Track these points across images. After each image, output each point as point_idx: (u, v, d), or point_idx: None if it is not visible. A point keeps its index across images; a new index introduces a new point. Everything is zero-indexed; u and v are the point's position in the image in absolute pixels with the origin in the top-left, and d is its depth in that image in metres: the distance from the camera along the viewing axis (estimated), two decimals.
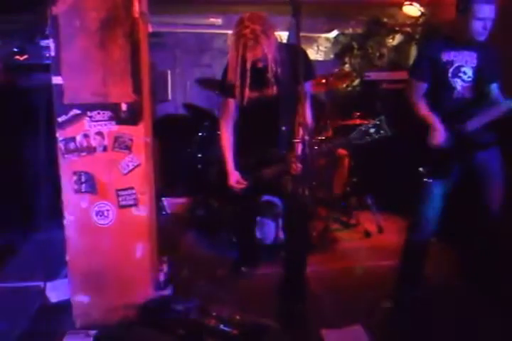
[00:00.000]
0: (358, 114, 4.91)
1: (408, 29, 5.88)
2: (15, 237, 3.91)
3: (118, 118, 2.71)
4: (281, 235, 3.91)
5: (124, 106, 2.71)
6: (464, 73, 2.93)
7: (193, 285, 3.37)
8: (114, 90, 2.69)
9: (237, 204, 3.40)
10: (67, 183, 2.74)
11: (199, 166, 5.08)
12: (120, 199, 2.78)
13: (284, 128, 2.88)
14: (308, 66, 2.98)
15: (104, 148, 2.73)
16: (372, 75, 5.46)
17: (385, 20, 5.93)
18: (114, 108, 2.70)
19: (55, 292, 3.11)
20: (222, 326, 2.60)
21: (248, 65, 2.88)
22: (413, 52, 5.82)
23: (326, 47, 6.52)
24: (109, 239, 2.80)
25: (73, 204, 2.76)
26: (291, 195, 2.89)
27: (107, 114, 2.70)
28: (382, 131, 2.68)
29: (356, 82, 5.79)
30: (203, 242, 4.39)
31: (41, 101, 3.66)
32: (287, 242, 3.24)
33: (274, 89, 2.98)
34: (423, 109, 2.96)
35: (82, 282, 2.84)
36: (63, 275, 3.12)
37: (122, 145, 2.74)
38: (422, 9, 5.44)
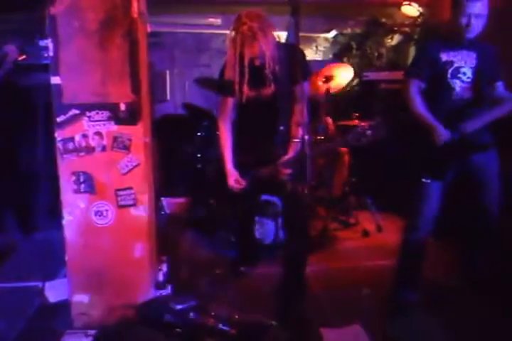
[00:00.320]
0: (357, 114, 4.92)
1: (407, 29, 5.89)
2: (14, 237, 3.91)
3: (117, 118, 2.71)
4: (281, 235, 3.92)
5: (122, 106, 2.71)
6: (464, 74, 2.91)
7: (192, 284, 3.38)
8: (113, 90, 2.69)
9: (236, 203, 3.40)
10: (66, 183, 2.74)
11: (198, 166, 5.08)
12: (119, 199, 2.78)
13: (281, 127, 2.88)
14: (306, 66, 2.99)
15: (103, 148, 2.73)
16: (371, 75, 5.47)
17: (384, 20, 5.94)
18: (113, 108, 2.71)
19: (53, 292, 3.10)
20: (221, 325, 2.60)
21: (246, 62, 2.87)
22: (412, 52, 5.83)
23: (324, 47, 6.54)
24: (108, 238, 2.80)
25: (72, 204, 2.76)
26: (289, 194, 2.89)
27: (106, 113, 2.71)
28: (378, 133, 2.67)
29: (355, 81, 5.80)
30: (202, 242, 4.40)
31: (40, 101, 3.67)
32: (287, 242, 3.24)
33: (272, 89, 2.97)
34: (419, 108, 2.95)
35: (81, 282, 2.84)
36: (62, 275, 3.12)
37: (121, 145, 2.74)
38: (420, 9, 5.45)
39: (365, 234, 4.61)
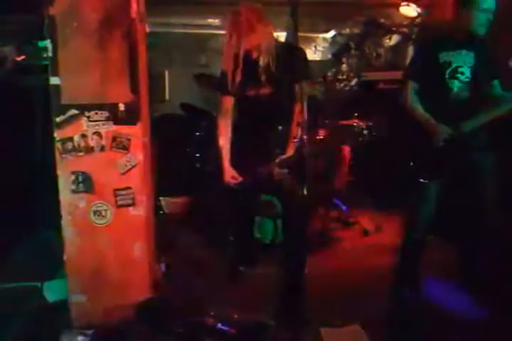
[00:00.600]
0: (356, 114, 4.92)
1: (405, 30, 5.89)
2: (12, 237, 3.91)
3: (116, 118, 2.72)
4: (280, 234, 3.92)
5: (121, 106, 2.72)
6: (462, 74, 2.91)
7: (190, 284, 3.38)
8: (112, 90, 2.70)
9: (235, 202, 3.38)
10: (65, 183, 2.74)
11: (197, 165, 5.09)
12: (118, 199, 2.79)
13: (280, 127, 2.88)
14: (306, 65, 2.98)
15: (102, 148, 2.74)
16: (370, 75, 5.48)
17: (382, 20, 5.94)
18: (112, 108, 2.71)
19: (52, 291, 3.11)
20: (220, 325, 2.61)
21: (242, 53, 2.84)
22: (410, 52, 5.83)
23: (323, 48, 6.55)
24: (107, 238, 2.81)
25: (71, 203, 2.76)
26: (287, 194, 2.89)
27: (105, 114, 2.71)
28: (374, 133, 2.66)
29: (353, 81, 5.80)
30: (200, 242, 4.40)
31: (39, 101, 3.67)
32: (287, 242, 3.23)
33: (271, 88, 2.95)
34: (417, 108, 2.96)
35: (79, 282, 2.84)
36: (60, 274, 3.12)
37: (120, 145, 2.75)
38: (418, 10, 5.45)
39: (365, 233, 4.62)
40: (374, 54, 6.07)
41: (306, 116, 2.88)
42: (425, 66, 2.97)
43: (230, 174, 3.13)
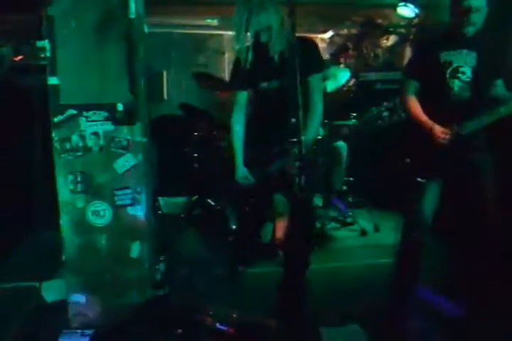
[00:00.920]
0: (354, 114, 4.93)
1: (402, 30, 5.91)
2: (11, 237, 3.91)
3: (114, 118, 2.72)
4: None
5: (119, 107, 2.72)
6: (463, 73, 2.87)
7: (189, 284, 3.38)
8: (110, 90, 2.70)
9: (246, 202, 3.29)
10: (63, 183, 2.75)
11: (195, 166, 5.09)
12: (116, 198, 2.79)
13: (293, 119, 2.77)
14: (320, 58, 2.93)
15: (100, 148, 2.74)
16: (367, 76, 5.49)
17: (380, 21, 5.95)
18: (110, 108, 2.72)
19: (50, 291, 3.11)
20: (219, 325, 2.61)
21: (252, 34, 2.77)
22: (407, 52, 5.84)
23: (321, 48, 6.53)
24: (105, 238, 2.81)
25: (69, 203, 2.77)
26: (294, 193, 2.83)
27: (103, 114, 2.72)
28: (395, 115, 2.58)
29: (351, 82, 5.81)
30: (199, 241, 4.40)
31: (37, 101, 3.68)
32: (291, 241, 3.15)
33: (283, 80, 2.83)
34: (414, 109, 2.96)
35: (78, 282, 2.85)
36: (59, 274, 3.12)
37: (118, 145, 2.75)
38: (416, 10, 5.46)
39: (362, 233, 4.63)
40: (372, 54, 6.08)
41: (321, 109, 2.84)
42: (425, 65, 2.94)
43: (243, 174, 3.02)
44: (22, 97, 3.92)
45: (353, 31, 6.16)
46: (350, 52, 6.11)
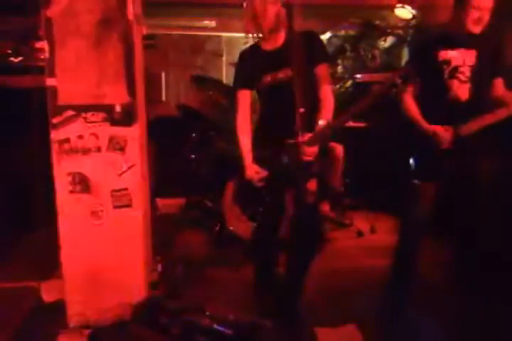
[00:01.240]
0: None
1: (400, 31, 5.92)
2: (9, 237, 3.91)
3: (112, 119, 2.73)
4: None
5: (118, 108, 2.73)
6: (462, 73, 2.84)
7: (186, 285, 3.39)
8: (109, 91, 2.71)
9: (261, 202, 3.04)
10: (62, 184, 2.75)
11: (193, 167, 5.10)
12: (114, 199, 2.80)
13: (302, 110, 2.70)
14: (324, 48, 2.90)
15: (99, 149, 2.75)
16: (364, 77, 5.50)
17: (378, 22, 5.96)
18: (109, 109, 2.72)
19: (49, 292, 3.12)
20: (216, 325, 2.61)
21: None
22: (405, 54, 5.86)
23: None
24: (104, 239, 2.82)
25: (67, 204, 2.77)
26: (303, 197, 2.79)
27: (102, 115, 2.72)
28: (409, 80, 2.46)
29: (348, 83, 5.83)
30: (196, 242, 4.41)
31: (36, 102, 3.68)
32: (296, 243, 2.97)
33: (289, 71, 2.73)
34: (411, 111, 2.94)
35: (76, 282, 2.85)
36: (57, 275, 3.13)
37: (117, 146, 2.76)
38: (413, 12, 5.48)
39: (359, 234, 4.64)
40: (369, 55, 6.09)
41: (332, 98, 2.81)
42: (424, 65, 2.88)
43: (254, 170, 2.85)
44: (20, 98, 3.93)
45: (351, 32, 6.18)
46: (348, 53, 6.13)
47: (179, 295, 3.12)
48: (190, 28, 6.05)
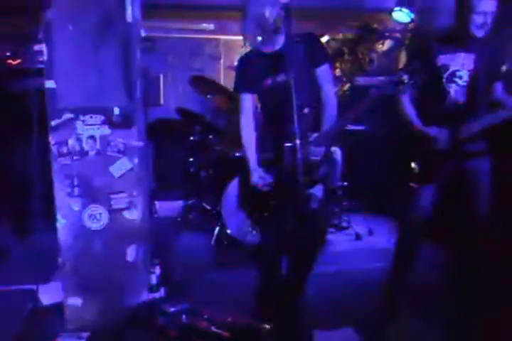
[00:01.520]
0: None
1: (398, 35, 5.93)
2: (8, 240, 3.91)
3: (111, 122, 2.74)
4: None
5: (116, 110, 2.73)
6: (460, 77, 2.85)
7: (185, 287, 3.39)
8: (107, 94, 2.72)
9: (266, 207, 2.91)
10: (60, 187, 2.76)
11: (191, 170, 5.11)
12: (112, 202, 2.80)
13: (305, 110, 2.69)
14: (324, 50, 2.88)
15: (97, 152, 2.75)
16: (362, 80, 5.51)
17: (375, 25, 5.97)
18: (107, 112, 2.73)
19: (47, 295, 3.10)
20: (213, 328, 2.61)
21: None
22: (402, 57, 5.86)
23: None
24: (102, 242, 2.82)
25: (66, 207, 2.77)
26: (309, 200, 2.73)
27: (100, 117, 2.73)
28: (417, 79, 2.43)
29: (346, 86, 5.83)
30: (194, 245, 4.41)
31: (34, 105, 3.68)
32: (299, 245, 2.95)
33: (289, 74, 2.63)
34: (409, 115, 2.94)
35: (74, 285, 2.85)
36: (56, 278, 3.13)
37: (115, 149, 2.76)
38: (411, 15, 5.48)
39: (357, 237, 4.64)
40: (367, 59, 6.10)
41: (335, 99, 2.80)
42: (420, 70, 2.92)
43: (258, 175, 2.82)
44: (19, 101, 3.93)
45: (349, 36, 6.18)
46: (346, 56, 6.13)
47: (177, 298, 3.11)
48: (189, 30, 6.06)
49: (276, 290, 2.93)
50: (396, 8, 5.35)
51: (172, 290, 3.18)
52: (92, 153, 2.75)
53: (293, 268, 2.93)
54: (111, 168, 2.77)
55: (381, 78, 3.57)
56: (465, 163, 2.91)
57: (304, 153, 2.59)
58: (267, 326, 2.68)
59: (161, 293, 3.10)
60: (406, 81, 2.37)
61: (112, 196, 2.80)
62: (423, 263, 3.21)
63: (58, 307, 2.91)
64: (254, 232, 3.21)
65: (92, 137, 2.75)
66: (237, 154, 4.36)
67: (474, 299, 3.08)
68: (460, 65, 2.85)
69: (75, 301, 2.85)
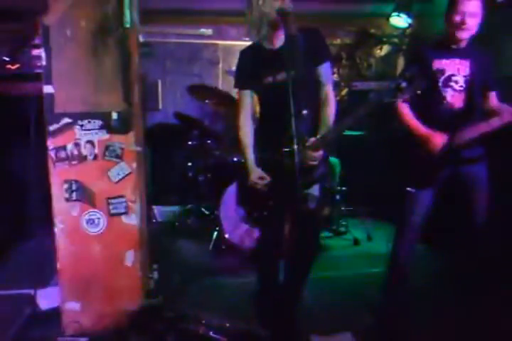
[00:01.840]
0: None
1: (395, 40, 5.94)
2: (5, 245, 3.90)
3: (109, 127, 2.74)
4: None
5: (114, 115, 2.74)
6: (456, 82, 2.86)
7: (183, 293, 3.39)
8: (105, 99, 2.72)
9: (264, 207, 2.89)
10: (58, 191, 2.76)
11: (189, 174, 5.11)
12: (111, 207, 2.80)
13: (304, 111, 2.66)
14: (326, 47, 2.85)
15: (95, 157, 2.76)
16: (360, 85, 5.52)
17: (373, 31, 5.99)
18: (105, 117, 2.73)
19: (45, 299, 3.10)
20: (211, 333, 2.61)
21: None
22: (400, 62, 5.88)
23: None
24: (100, 246, 2.82)
25: (64, 212, 2.78)
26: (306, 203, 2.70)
27: (98, 122, 2.73)
28: (415, 85, 2.42)
29: (344, 91, 5.84)
30: (193, 250, 4.41)
31: (32, 110, 3.67)
32: (297, 250, 2.91)
33: (289, 72, 2.58)
34: (408, 118, 2.94)
35: (72, 289, 2.85)
36: (54, 282, 3.12)
37: (113, 153, 2.77)
38: (409, 20, 5.50)
39: (356, 242, 4.64)
40: (365, 64, 6.12)
41: (334, 98, 2.78)
42: (419, 73, 2.92)
43: (257, 174, 2.79)
44: (17, 106, 3.92)
45: (347, 41, 6.20)
46: (344, 61, 6.15)
47: (175, 303, 3.11)
48: (187, 36, 6.07)
49: (275, 295, 2.92)
50: (394, 14, 5.37)
51: (170, 296, 3.18)
52: (90, 158, 2.76)
53: (290, 270, 2.90)
54: (109, 173, 2.78)
55: (380, 83, 3.57)
56: (462, 168, 2.91)
57: (302, 156, 2.57)
58: (265, 331, 2.68)
59: (159, 298, 3.10)
60: (404, 87, 2.36)
61: (110, 201, 2.80)
62: (419, 267, 3.22)
63: (56, 312, 2.90)
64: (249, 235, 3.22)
65: (91, 142, 2.75)
66: (235, 159, 4.37)
67: (472, 303, 3.08)
68: (456, 70, 2.87)
69: (73, 306, 2.85)
